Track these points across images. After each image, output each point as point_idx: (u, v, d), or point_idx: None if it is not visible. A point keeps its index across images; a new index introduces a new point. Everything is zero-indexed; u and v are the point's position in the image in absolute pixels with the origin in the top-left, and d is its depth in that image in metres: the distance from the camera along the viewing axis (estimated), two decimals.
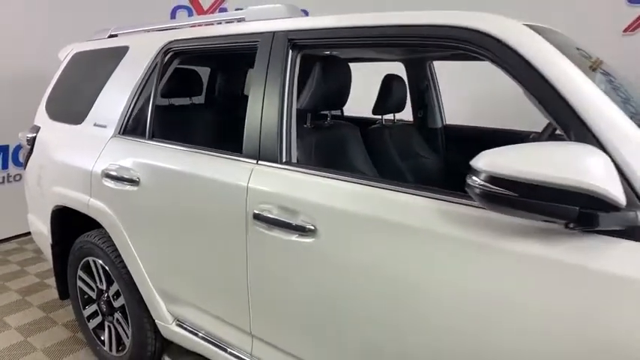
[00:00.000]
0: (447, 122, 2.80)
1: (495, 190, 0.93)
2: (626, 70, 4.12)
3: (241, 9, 5.23)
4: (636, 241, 0.90)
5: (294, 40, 1.54)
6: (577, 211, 0.87)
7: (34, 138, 2.57)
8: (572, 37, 4.42)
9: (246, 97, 1.66)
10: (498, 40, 1.12)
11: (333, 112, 1.98)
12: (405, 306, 1.17)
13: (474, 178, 0.97)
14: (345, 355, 1.35)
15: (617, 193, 0.84)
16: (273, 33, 1.59)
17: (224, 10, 5.28)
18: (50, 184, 2.38)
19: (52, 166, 2.39)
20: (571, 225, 0.89)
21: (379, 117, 2.46)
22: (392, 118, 2.57)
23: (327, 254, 1.31)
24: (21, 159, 3.49)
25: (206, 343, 1.84)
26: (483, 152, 0.97)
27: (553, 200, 0.88)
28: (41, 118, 2.60)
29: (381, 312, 1.22)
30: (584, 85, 1.01)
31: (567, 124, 1.01)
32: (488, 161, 0.94)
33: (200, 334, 1.87)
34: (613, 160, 0.93)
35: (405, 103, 2.51)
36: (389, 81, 2.36)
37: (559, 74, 1.03)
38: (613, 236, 0.92)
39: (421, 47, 1.53)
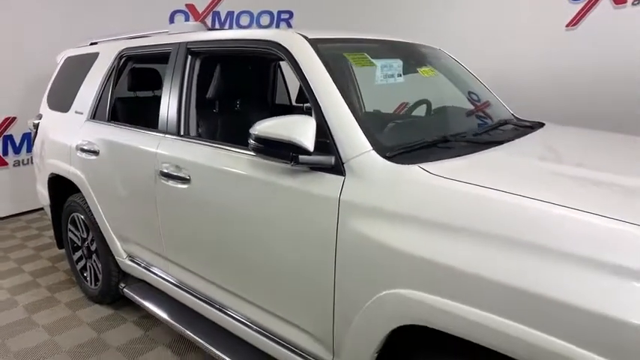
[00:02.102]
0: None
1: (256, 145, 1.54)
2: (569, 61, 4.54)
3: (233, 12, 5.90)
4: (333, 174, 1.48)
5: (191, 49, 2.18)
6: (290, 155, 1.47)
7: (38, 123, 3.32)
8: (520, 33, 4.87)
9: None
10: (285, 49, 1.71)
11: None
12: (235, 222, 1.80)
13: (250, 138, 1.57)
14: (214, 265, 1.99)
15: (307, 143, 1.43)
16: (179, 44, 2.23)
17: (217, 13, 5.96)
18: (47, 157, 3.12)
19: (48, 144, 3.13)
20: (292, 164, 1.49)
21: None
22: None
23: (196, 195, 1.95)
24: None
25: (146, 271, 2.52)
26: (257, 122, 1.57)
27: (279, 149, 1.48)
28: (43, 107, 3.35)
29: (224, 230, 1.86)
30: (324, 82, 1.60)
31: (311, 103, 1.60)
32: (255, 127, 1.55)
33: (142, 265, 2.55)
34: (329, 128, 1.52)
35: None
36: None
37: (312, 74, 1.62)
38: (326, 172, 1.51)
39: (253, 54, 1.97)
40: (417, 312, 1.23)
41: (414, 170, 1.36)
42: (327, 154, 1.49)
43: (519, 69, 4.79)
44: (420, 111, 2.46)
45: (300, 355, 1.70)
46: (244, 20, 6.03)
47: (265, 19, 6.07)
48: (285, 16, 6.08)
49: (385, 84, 1.88)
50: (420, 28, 5.11)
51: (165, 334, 2.66)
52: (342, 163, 1.47)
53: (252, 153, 1.68)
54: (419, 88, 2.27)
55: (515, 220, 1.12)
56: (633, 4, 4.02)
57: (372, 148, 1.46)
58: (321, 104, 1.56)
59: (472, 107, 2.33)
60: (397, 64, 1.95)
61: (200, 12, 5.86)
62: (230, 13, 5.97)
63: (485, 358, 1.15)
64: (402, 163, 1.40)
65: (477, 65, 4.71)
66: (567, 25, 4.47)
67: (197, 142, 2.02)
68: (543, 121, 2.33)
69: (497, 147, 1.63)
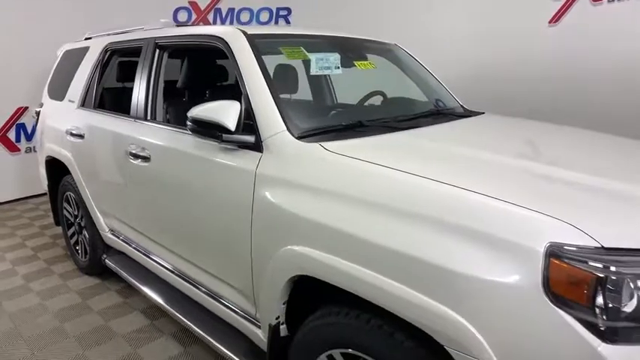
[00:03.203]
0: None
1: (192, 126, 1.79)
2: (551, 54, 4.67)
3: (233, 8, 6.22)
4: (254, 151, 1.72)
5: (159, 44, 2.44)
6: (217, 133, 1.71)
7: (40, 111, 3.65)
8: (503, 28, 5.00)
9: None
10: (226, 42, 1.95)
11: None
12: (181, 194, 2.06)
13: (187, 120, 1.82)
14: (168, 233, 2.26)
15: (229, 124, 1.67)
16: (149, 39, 2.50)
17: (218, 10, 6.24)
18: (45, 142, 3.45)
19: (46, 129, 3.45)
20: (218, 142, 1.73)
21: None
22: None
23: (155, 171, 2.22)
24: None
25: (123, 243, 2.80)
26: (194, 106, 1.82)
27: (209, 129, 1.73)
28: (44, 97, 3.68)
29: (173, 201, 2.12)
30: (253, 71, 1.83)
31: (242, 89, 1.83)
32: (192, 111, 1.79)
33: (121, 237, 2.84)
34: (253, 111, 1.75)
35: (297, 86, 3.30)
36: (280, 69, 3.18)
37: (243, 64, 1.86)
38: (250, 149, 1.75)
39: (201, 47, 2.21)
40: (304, 264, 1.46)
41: (314, 147, 1.59)
42: (249, 134, 1.73)
43: (506, 65, 4.92)
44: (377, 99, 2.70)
45: (234, 311, 1.95)
46: (244, 17, 6.29)
47: (265, 16, 6.33)
48: (283, 12, 6.32)
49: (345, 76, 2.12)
50: (411, 25, 5.30)
51: (142, 302, 2.95)
52: (261, 142, 1.71)
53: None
54: (366, 79, 2.51)
55: (378, 186, 1.34)
56: (609, 1, 4.11)
57: (285, 129, 1.69)
58: (248, 91, 1.80)
59: (414, 97, 2.53)
60: (334, 57, 2.17)
61: (202, 9, 6.15)
62: (231, 10, 6.24)
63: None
64: (308, 142, 1.63)
65: (465, 62, 4.90)
66: (550, 22, 4.59)
67: (157, 126, 2.29)
68: (483, 111, 2.53)
69: (406, 131, 1.84)
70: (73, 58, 3.36)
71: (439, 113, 2.29)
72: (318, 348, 1.51)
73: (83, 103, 3.06)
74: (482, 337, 1.06)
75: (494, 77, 4.89)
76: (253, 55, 1.88)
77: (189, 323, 2.21)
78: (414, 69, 2.76)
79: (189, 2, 6.10)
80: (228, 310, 1.98)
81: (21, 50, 4.90)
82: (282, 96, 3.30)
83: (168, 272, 2.35)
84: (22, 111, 5.12)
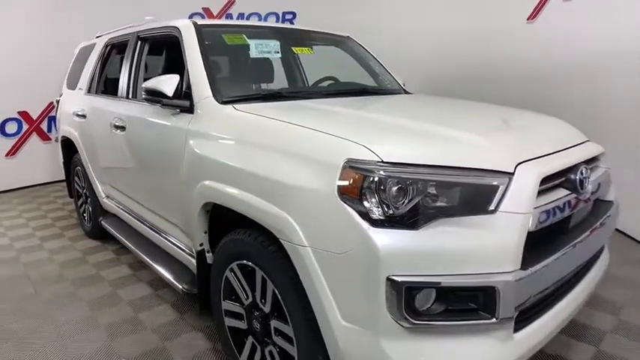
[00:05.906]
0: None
1: (144, 95, 2.26)
2: (530, 49, 4.93)
3: (243, 13, 6.81)
4: (189, 113, 2.17)
5: (140, 36, 2.95)
6: (158, 99, 2.17)
7: (59, 100, 4.27)
8: (484, 24, 5.33)
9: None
10: (179, 30, 2.43)
11: None
12: (144, 153, 2.53)
13: (142, 91, 2.29)
14: (135, 187, 2.75)
15: (167, 91, 2.13)
16: (134, 33, 3.02)
17: (230, 15, 6.80)
18: (61, 125, 4.05)
19: (62, 114, 4.06)
20: (160, 105, 2.19)
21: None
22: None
23: (129, 137, 2.72)
24: None
25: (114, 205, 3.32)
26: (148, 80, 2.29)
27: (154, 96, 2.19)
28: (64, 87, 4.30)
29: (139, 160, 2.60)
30: (194, 52, 2.29)
31: (185, 65, 2.29)
32: (145, 83, 2.26)
33: (114, 202, 3.36)
34: (190, 83, 2.21)
35: (272, 76, 3.75)
36: (257, 61, 3.65)
37: (187, 46, 2.32)
38: (186, 113, 2.20)
39: (167, 36, 2.57)
40: (209, 193, 1.89)
41: (227, 108, 2.02)
42: (186, 100, 2.19)
43: (491, 60, 5.20)
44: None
45: (181, 249, 2.39)
46: (253, 21, 6.83)
47: (271, 20, 6.84)
48: (289, 17, 6.81)
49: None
50: (405, 27, 5.68)
51: (130, 258, 3.46)
52: (193, 105, 2.16)
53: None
54: (325, 65, 2.98)
55: (256, 129, 1.76)
56: None
57: (211, 95, 2.13)
58: (189, 66, 2.26)
59: (358, 80, 2.93)
60: (274, 43, 2.61)
61: (215, 14, 6.73)
62: (241, 15, 6.79)
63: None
64: (225, 104, 2.07)
65: (456, 58, 5.23)
66: (528, 19, 4.85)
67: (134, 102, 2.80)
68: (412, 92, 2.90)
69: (314, 99, 2.25)
70: (86, 53, 3.95)
71: (366, 91, 2.68)
72: (225, 262, 1.93)
73: (89, 90, 3.62)
74: (299, 228, 1.45)
75: (478, 74, 5.17)
76: (196, 40, 2.34)
77: (143, 255, 2.71)
78: (363, 57, 3.15)
79: (202, 8, 6.70)
80: (178, 249, 2.43)
81: (54, 51, 5.60)
82: (263, 85, 3.79)
83: (143, 225, 2.83)
84: (53, 105, 5.82)
